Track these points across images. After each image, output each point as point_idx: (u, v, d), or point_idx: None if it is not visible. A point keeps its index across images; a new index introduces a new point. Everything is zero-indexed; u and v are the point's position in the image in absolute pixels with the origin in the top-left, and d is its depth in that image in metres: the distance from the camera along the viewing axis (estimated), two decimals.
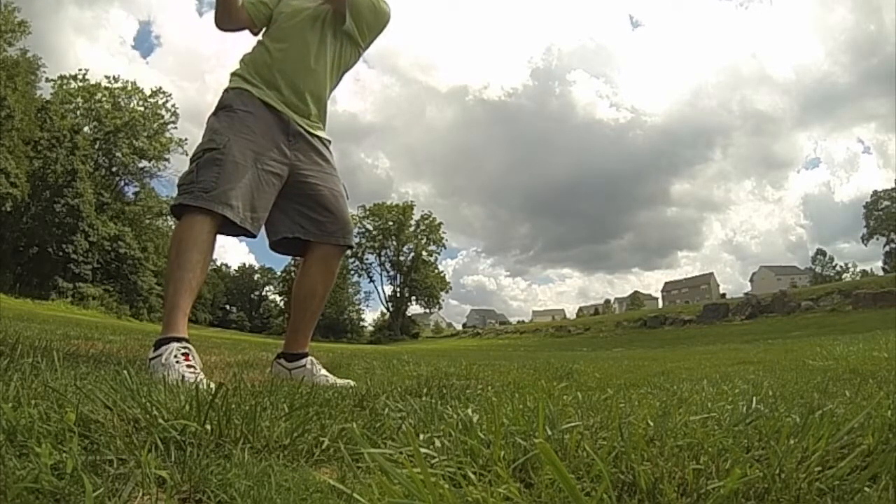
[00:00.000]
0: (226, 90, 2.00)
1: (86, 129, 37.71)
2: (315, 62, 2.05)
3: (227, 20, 2.05)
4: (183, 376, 1.46)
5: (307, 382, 1.66)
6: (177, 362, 1.58)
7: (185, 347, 1.65)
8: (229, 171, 1.80)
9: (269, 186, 1.91)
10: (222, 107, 1.94)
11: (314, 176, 2.04)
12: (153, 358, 1.63)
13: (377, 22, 2.18)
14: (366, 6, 2.10)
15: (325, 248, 2.07)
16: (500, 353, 12.24)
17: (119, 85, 39.38)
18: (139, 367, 1.60)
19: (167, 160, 40.45)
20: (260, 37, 2.12)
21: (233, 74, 2.05)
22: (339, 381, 1.96)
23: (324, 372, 2.09)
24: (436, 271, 59.73)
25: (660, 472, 0.70)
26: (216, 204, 1.77)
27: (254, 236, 1.95)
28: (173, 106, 40.84)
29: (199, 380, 1.46)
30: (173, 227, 1.84)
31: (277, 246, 2.10)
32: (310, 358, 2.12)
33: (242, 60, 2.07)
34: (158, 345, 1.66)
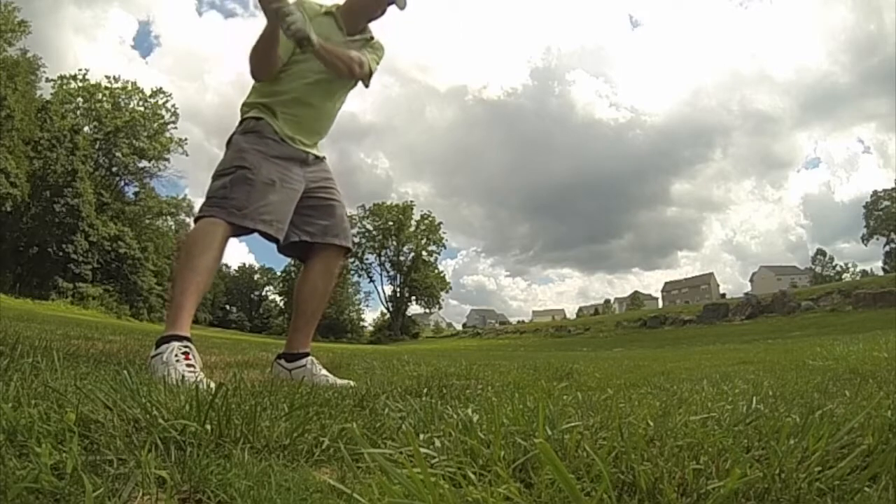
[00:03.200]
0: (251, 117, 2.06)
1: (86, 129, 37.66)
2: (327, 100, 2.17)
3: (265, 72, 2.05)
4: (183, 375, 1.47)
5: (307, 382, 1.68)
6: (177, 361, 1.60)
7: (186, 346, 1.66)
8: (259, 190, 1.94)
9: (291, 203, 2.07)
10: (250, 130, 2.04)
11: (321, 189, 2.21)
12: (154, 356, 1.64)
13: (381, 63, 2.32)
14: (375, 62, 2.23)
15: (328, 250, 2.20)
16: (500, 353, 12.24)
17: (119, 85, 39.39)
18: (139, 367, 1.60)
19: (167, 160, 40.51)
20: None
21: (256, 104, 2.08)
22: (339, 381, 1.98)
23: (324, 372, 2.13)
24: (436, 271, 59.70)
25: (660, 472, 0.70)
26: (251, 221, 1.91)
27: (280, 243, 2.09)
28: (173, 106, 40.87)
29: (198, 379, 1.47)
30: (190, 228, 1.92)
31: (286, 249, 2.22)
32: (310, 358, 2.15)
33: (264, 93, 2.09)
34: (160, 343, 1.67)
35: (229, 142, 2.08)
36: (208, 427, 0.82)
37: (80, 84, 38.29)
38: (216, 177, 1.97)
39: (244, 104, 2.12)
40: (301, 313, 2.19)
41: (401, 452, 0.74)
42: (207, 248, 1.83)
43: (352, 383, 1.93)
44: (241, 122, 2.09)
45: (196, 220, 1.94)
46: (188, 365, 1.60)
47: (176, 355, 1.62)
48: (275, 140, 2.03)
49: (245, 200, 1.90)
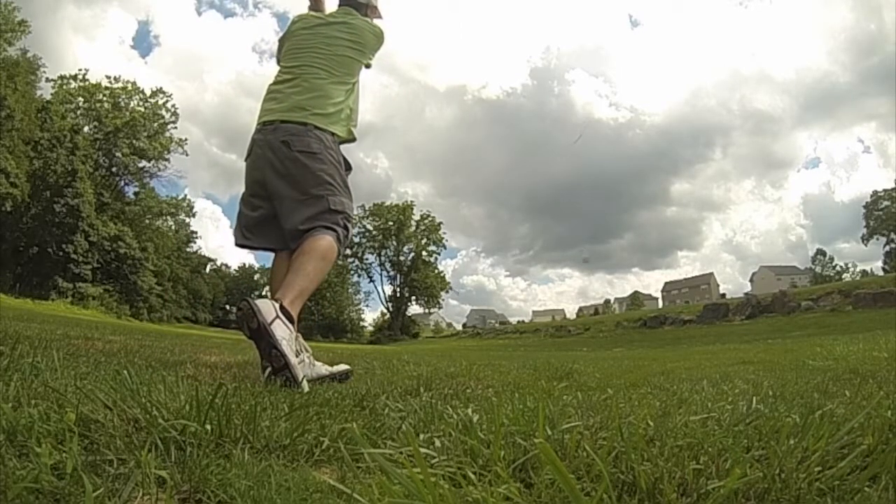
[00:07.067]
0: (334, 139, 2.17)
1: (86, 129, 37.62)
2: None
3: None
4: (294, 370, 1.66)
5: (309, 376, 1.84)
6: (296, 349, 1.78)
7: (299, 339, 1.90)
8: None
9: None
10: (350, 167, 2.26)
11: None
12: (284, 326, 1.76)
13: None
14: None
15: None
16: (500, 353, 12.24)
17: (119, 85, 39.34)
18: (139, 367, 1.61)
19: (167, 160, 40.45)
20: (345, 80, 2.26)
21: (339, 121, 2.19)
22: (336, 368, 2.17)
23: (319, 363, 2.20)
24: (436, 271, 59.66)
25: (660, 472, 0.70)
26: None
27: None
28: (173, 106, 40.81)
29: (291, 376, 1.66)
30: (325, 239, 2.05)
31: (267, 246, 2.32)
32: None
33: (346, 105, 2.22)
34: (290, 318, 1.82)
35: (326, 156, 2.13)
36: (208, 427, 0.82)
37: (80, 84, 38.26)
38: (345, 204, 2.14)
39: (330, 107, 2.17)
40: None
41: (401, 452, 0.74)
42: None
43: (347, 367, 2.16)
44: (336, 135, 2.18)
45: (328, 234, 2.07)
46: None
47: (297, 347, 1.81)
48: None
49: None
